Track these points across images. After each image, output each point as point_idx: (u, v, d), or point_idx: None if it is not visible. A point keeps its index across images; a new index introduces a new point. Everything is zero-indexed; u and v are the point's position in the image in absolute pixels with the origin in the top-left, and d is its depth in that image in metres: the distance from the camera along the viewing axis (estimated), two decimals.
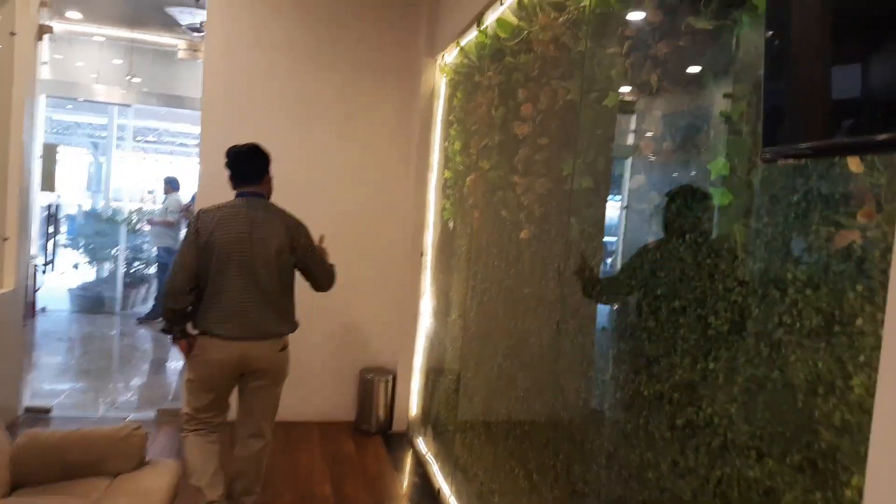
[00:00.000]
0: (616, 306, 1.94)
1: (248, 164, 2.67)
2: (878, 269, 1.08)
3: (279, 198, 4.02)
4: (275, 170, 4.07)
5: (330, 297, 4.20)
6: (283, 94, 4.03)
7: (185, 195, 7.37)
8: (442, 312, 3.89)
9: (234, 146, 2.70)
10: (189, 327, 2.63)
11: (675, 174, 1.68)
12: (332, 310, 4.18)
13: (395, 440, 3.97)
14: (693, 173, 1.61)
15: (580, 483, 2.12)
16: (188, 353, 2.60)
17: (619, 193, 2.09)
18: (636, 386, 1.82)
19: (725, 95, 1.51)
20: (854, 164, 1.04)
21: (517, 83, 2.81)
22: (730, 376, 1.44)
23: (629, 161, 1.99)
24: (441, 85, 4.07)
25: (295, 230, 2.68)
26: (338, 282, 4.22)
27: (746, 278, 1.42)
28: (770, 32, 0.86)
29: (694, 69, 1.62)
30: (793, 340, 1.27)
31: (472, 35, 3.52)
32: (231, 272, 2.51)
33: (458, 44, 3.66)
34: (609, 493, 1.93)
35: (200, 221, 2.56)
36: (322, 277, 2.77)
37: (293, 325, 2.72)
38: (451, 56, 3.91)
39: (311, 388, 4.16)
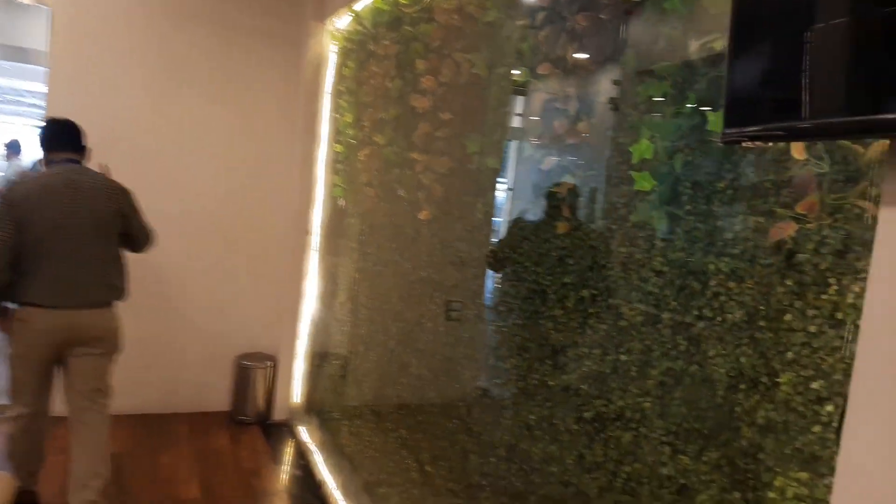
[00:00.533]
0: (522, 293, 1.85)
1: (67, 133, 2.53)
2: (811, 264, 1.04)
3: (142, 168, 3.57)
4: (136, 137, 3.59)
5: (204, 279, 3.84)
6: (146, 50, 3.56)
7: (28, 160, 6.48)
8: (329, 295, 3.67)
9: (52, 118, 2.61)
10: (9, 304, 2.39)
11: (591, 156, 1.60)
12: (206, 292, 3.81)
13: (275, 430, 3.71)
14: (609, 154, 1.53)
15: (477, 475, 2.03)
16: (9, 329, 2.38)
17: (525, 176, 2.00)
18: (541, 376, 1.74)
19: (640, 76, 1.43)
20: (797, 150, 0.99)
21: (416, 54, 2.63)
22: (643, 369, 1.39)
23: (537, 140, 1.90)
24: (330, 52, 3.79)
25: (120, 195, 2.50)
26: (212, 263, 3.87)
27: (664, 269, 1.36)
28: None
29: (613, 45, 1.53)
30: (713, 334, 1.22)
31: (367, 0, 3.28)
32: (54, 240, 2.34)
33: (351, 9, 3.40)
34: (508, 486, 1.85)
35: (14, 192, 2.36)
36: (142, 241, 2.63)
37: (122, 293, 2.53)
38: (342, 21, 3.65)
39: (181, 377, 3.78)
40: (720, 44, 1.19)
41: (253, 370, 3.75)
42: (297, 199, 3.79)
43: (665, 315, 1.34)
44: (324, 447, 3.40)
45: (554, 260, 1.73)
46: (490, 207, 2.13)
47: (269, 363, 3.80)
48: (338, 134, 3.67)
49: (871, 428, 0.71)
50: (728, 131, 0.76)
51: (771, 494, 1.06)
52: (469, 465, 2.08)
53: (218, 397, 3.85)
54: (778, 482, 1.05)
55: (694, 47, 1.25)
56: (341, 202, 3.61)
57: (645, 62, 1.43)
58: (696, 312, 1.26)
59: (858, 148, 0.96)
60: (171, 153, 3.67)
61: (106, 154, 3.04)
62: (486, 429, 1.99)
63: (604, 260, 1.54)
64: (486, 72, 2.08)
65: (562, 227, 1.69)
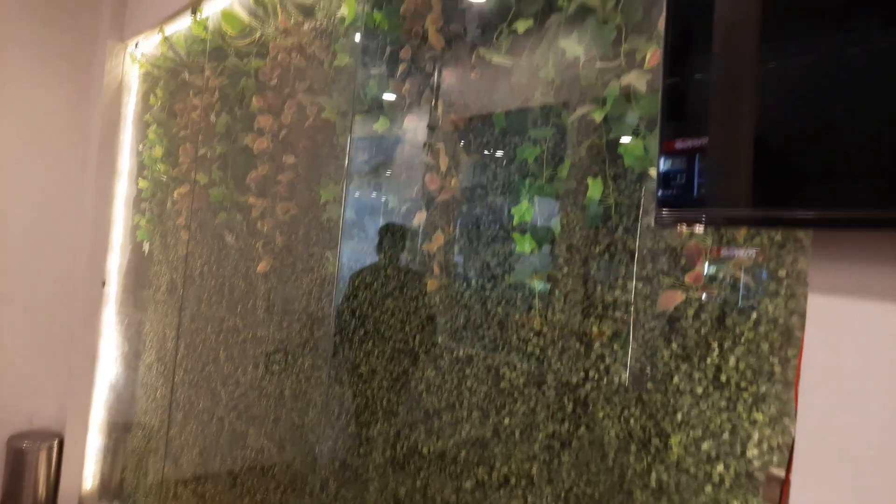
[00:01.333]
0: (387, 353, 1.75)
1: None
2: (693, 329, 1.10)
3: None
4: None
5: None
6: None
7: None
8: (132, 356, 3.18)
9: None
10: None
11: (473, 214, 1.57)
12: None
13: None
14: (491, 217, 1.52)
15: None
16: None
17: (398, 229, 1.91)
18: (412, 443, 1.65)
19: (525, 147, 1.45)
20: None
21: (249, 90, 2.43)
22: (528, 433, 1.37)
23: (417, 196, 1.83)
24: (133, 78, 3.37)
25: None
26: None
27: (544, 329, 1.36)
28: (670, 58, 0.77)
29: (487, 104, 1.53)
30: (601, 396, 1.24)
31: (181, 24, 2.98)
32: None
33: (161, 31, 3.06)
34: None
35: None
36: None
37: None
38: (148, 44, 3.27)
39: None
40: (599, 115, 1.23)
41: (31, 453, 3.10)
42: (90, 243, 3.26)
43: (549, 377, 1.33)
44: None
45: (424, 318, 1.66)
46: (342, 260, 2.01)
47: (52, 442, 3.17)
48: (143, 168, 3.25)
49: (810, 499, 0.74)
50: (663, 212, 0.76)
51: None
52: None
53: None
54: None
55: (572, 116, 1.29)
56: (146, 246, 3.18)
57: (521, 126, 1.44)
58: (581, 374, 1.27)
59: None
60: None
61: None
62: (346, 503, 1.83)
63: (479, 320, 1.50)
64: (337, 117, 1.97)
65: (432, 285, 1.63)
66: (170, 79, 3.12)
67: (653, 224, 1.11)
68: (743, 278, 1.05)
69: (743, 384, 1.05)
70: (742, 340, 1.05)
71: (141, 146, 3.28)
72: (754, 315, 1.03)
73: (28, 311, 3.23)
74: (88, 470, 3.26)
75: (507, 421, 1.41)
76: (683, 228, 1.04)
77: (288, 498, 2.06)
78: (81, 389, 3.24)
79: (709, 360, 1.08)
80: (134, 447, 3.08)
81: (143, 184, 3.23)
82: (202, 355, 2.67)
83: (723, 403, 1.07)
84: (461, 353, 1.54)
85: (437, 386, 1.59)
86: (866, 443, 0.68)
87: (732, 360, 1.06)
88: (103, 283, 3.30)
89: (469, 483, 1.47)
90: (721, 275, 1.08)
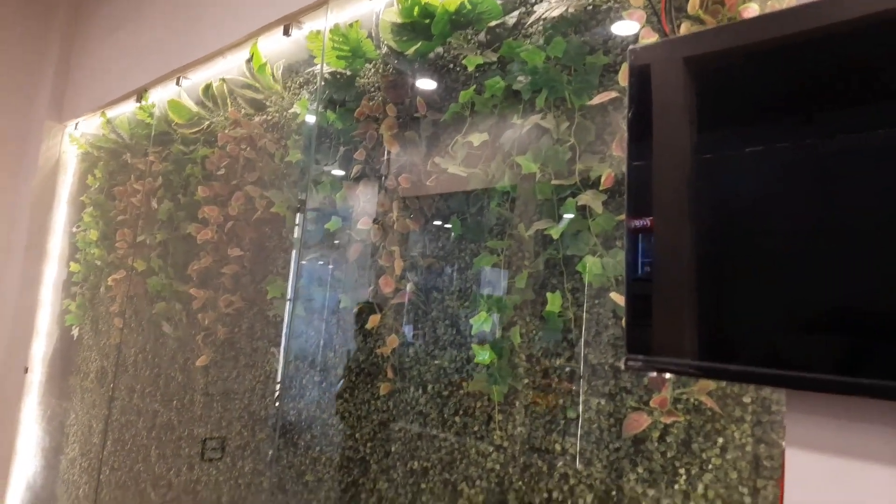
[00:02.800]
0: (335, 461, 1.66)
1: None
2: (658, 452, 1.09)
3: None
4: None
5: None
6: None
7: None
8: (54, 450, 2.93)
9: None
10: None
11: (419, 316, 1.54)
12: None
13: None
14: (439, 317, 1.49)
15: None
16: None
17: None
18: None
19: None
20: None
21: (194, 177, 2.37)
22: None
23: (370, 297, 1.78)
24: (70, 157, 3.26)
25: None
26: None
27: (504, 444, 1.33)
28: (634, 170, 0.79)
29: (442, 210, 1.53)
30: None
31: (125, 108, 2.91)
32: None
33: (103, 114, 2.99)
34: None
35: None
36: None
37: None
38: (90, 125, 3.18)
39: None
40: (556, 233, 1.25)
41: None
42: (12, 329, 3.04)
43: (510, 496, 1.29)
44: None
45: (375, 424, 1.60)
46: (303, 360, 1.92)
47: None
48: (75, 251, 3.09)
49: None
50: (632, 357, 0.76)
51: None
52: None
53: None
54: None
55: (530, 230, 1.30)
56: (75, 332, 3.00)
57: (476, 235, 1.44)
58: (545, 494, 1.24)
59: None
60: None
61: None
62: None
63: (436, 429, 1.46)
64: (286, 212, 1.94)
65: (384, 388, 1.57)
66: (110, 160, 3.03)
67: (623, 368, 1.11)
68: (707, 403, 1.05)
69: None
70: (709, 467, 1.04)
71: (75, 228, 3.13)
72: (720, 440, 1.03)
73: None
74: None
75: None
76: (653, 374, 1.04)
77: None
78: None
79: (676, 487, 1.07)
80: None
81: (74, 267, 3.07)
82: (132, 452, 2.49)
83: None
84: (416, 465, 1.48)
85: (389, 500, 1.51)
86: None
87: (700, 488, 1.05)
88: (26, 370, 3.07)
89: None
90: (686, 398, 1.08)
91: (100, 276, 2.90)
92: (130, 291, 2.65)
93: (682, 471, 1.06)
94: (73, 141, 3.18)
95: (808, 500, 0.70)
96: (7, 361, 3.03)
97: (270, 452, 1.91)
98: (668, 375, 1.03)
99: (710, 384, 1.02)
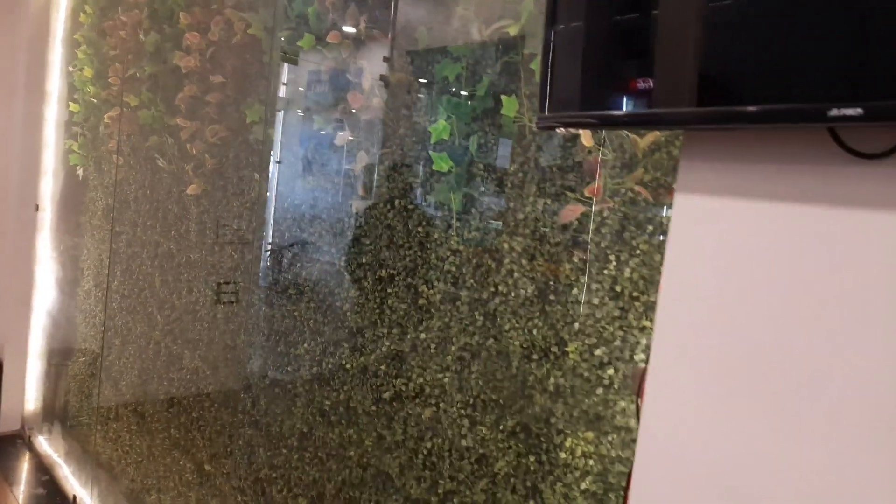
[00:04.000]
0: (314, 274, 1.77)
1: None
2: (594, 242, 1.14)
3: None
4: None
5: None
6: None
7: None
8: (70, 282, 3.13)
9: None
10: None
11: (388, 133, 1.56)
12: None
13: (4, 445, 3.09)
14: (406, 133, 1.51)
15: (266, 469, 1.92)
16: None
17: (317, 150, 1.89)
18: (336, 360, 1.69)
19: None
20: (586, 137, 1.06)
21: (177, 5, 2.32)
22: (442, 346, 1.41)
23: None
24: None
25: None
26: None
27: (460, 248, 1.39)
28: None
29: (410, 19, 1.50)
30: (508, 309, 1.29)
31: None
32: None
33: None
34: (303, 476, 1.78)
35: None
36: None
37: None
38: None
39: None
40: (514, 29, 1.23)
41: None
42: (20, 168, 3.14)
43: (463, 293, 1.37)
44: (72, 458, 2.94)
45: (349, 240, 1.68)
46: (268, 182, 1.99)
47: None
48: (74, 91, 3.10)
49: (666, 393, 0.80)
50: (543, 116, 0.78)
51: (562, 455, 1.16)
52: (256, 459, 1.95)
53: None
54: (568, 443, 1.15)
55: (487, 31, 1.28)
56: (80, 172, 3.08)
57: (437, 41, 1.42)
58: (492, 289, 1.32)
59: (636, 137, 1.07)
60: None
61: None
62: (276, 419, 1.88)
63: (401, 240, 1.53)
64: (263, 34, 1.91)
65: (356, 207, 1.63)
66: None
67: (535, 128, 1.13)
68: (641, 192, 1.08)
69: (635, 294, 1.10)
70: (637, 252, 1.09)
71: (71, 67, 3.12)
72: (650, 227, 1.08)
73: None
74: (30, 393, 3.25)
75: (423, 336, 1.46)
76: (561, 130, 1.06)
77: (222, 415, 2.11)
78: (18, 315, 3.19)
79: (606, 272, 1.13)
80: (75, 372, 3.07)
81: (74, 107, 3.09)
82: (138, 281, 2.65)
83: (616, 313, 1.12)
84: (383, 273, 1.56)
85: (360, 305, 1.62)
86: (719, 334, 0.73)
87: (627, 272, 1.11)
88: (37, 208, 3.21)
89: (388, 394, 1.53)
90: (622, 189, 1.11)
91: (98, 115, 2.93)
92: (126, 128, 2.69)
93: (612, 257, 1.11)
94: None
95: (692, 235, 0.74)
96: (19, 199, 3.16)
97: (257, 271, 2.03)
98: (599, 166, 1.06)
99: (641, 174, 1.04)
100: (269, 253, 1.95)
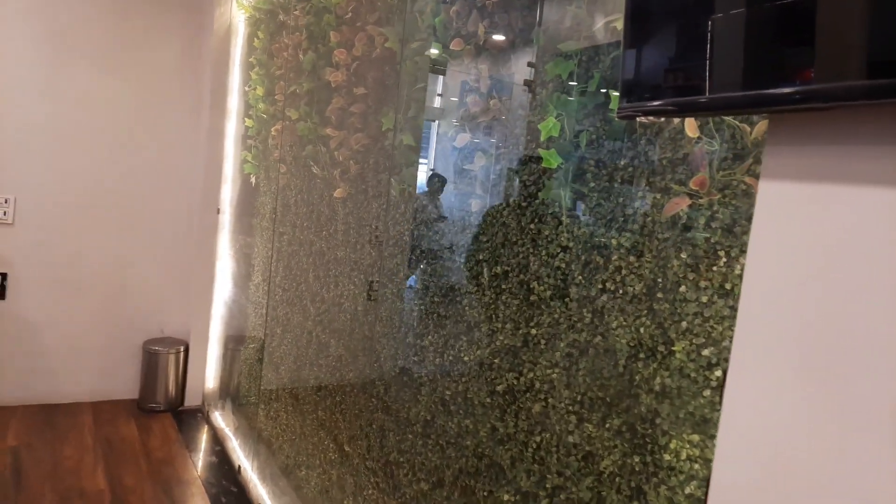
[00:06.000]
0: (437, 270, 1.86)
1: None
2: (702, 238, 1.09)
3: (33, 147, 3.30)
4: (24, 113, 3.33)
5: (106, 261, 3.62)
6: (29, 18, 3.28)
7: None
8: (243, 277, 3.55)
9: None
10: None
11: (503, 134, 1.61)
12: (109, 276, 3.61)
13: (188, 417, 3.58)
14: (520, 133, 1.55)
15: (395, 453, 2.05)
16: None
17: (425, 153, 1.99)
18: (456, 352, 1.76)
19: (531, 65, 1.45)
20: (690, 128, 1.03)
21: (329, 25, 2.56)
22: (552, 342, 1.43)
23: (440, 117, 1.89)
24: (239, 22, 3.63)
25: None
26: (115, 244, 3.64)
27: (570, 244, 1.40)
28: None
29: (521, 23, 1.54)
30: (616, 306, 1.27)
31: None
32: None
33: None
34: (425, 461, 1.87)
35: None
36: None
37: None
38: None
39: (84, 364, 3.58)
40: (621, 23, 1.21)
41: (162, 355, 3.60)
42: (205, 177, 3.63)
43: (572, 289, 1.38)
44: (240, 432, 3.32)
45: (469, 237, 1.75)
46: (407, 185, 2.11)
47: (179, 348, 3.65)
48: (248, 108, 3.53)
49: (749, 389, 0.76)
50: (624, 105, 0.78)
51: (667, 457, 1.12)
52: (387, 442, 2.09)
53: (125, 385, 3.67)
54: (673, 445, 1.11)
55: (598, 26, 1.28)
56: (253, 179, 3.49)
57: (553, 41, 1.44)
58: (599, 286, 1.31)
59: (745, 127, 1.01)
60: (66, 129, 3.42)
61: None
62: (404, 406, 2.00)
63: (515, 237, 1.56)
64: (398, 46, 2.05)
65: (475, 205, 1.70)
66: (269, 21, 3.33)
67: (617, 117, 1.10)
68: (752, 185, 1.02)
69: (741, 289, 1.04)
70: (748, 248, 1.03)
71: (247, 87, 3.55)
72: None
73: (158, 237, 3.69)
74: (210, 374, 3.73)
75: (534, 331, 1.48)
76: (641, 119, 1.03)
77: (359, 399, 2.28)
78: (201, 305, 3.68)
79: (715, 269, 1.08)
80: (246, 356, 3.48)
81: (248, 122, 3.51)
82: (296, 276, 2.94)
83: (726, 312, 1.07)
84: (498, 269, 1.61)
85: (477, 299, 1.68)
86: (804, 322, 0.69)
87: (738, 269, 1.05)
88: (218, 212, 3.68)
89: (501, 387, 1.57)
90: (733, 182, 1.06)
91: (267, 129, 3.31)
92: (288, 139, 3.01)
93: (721, 253, 1.06)
94: (239, 6, 3.52)
95: (776, 224, 0.70)
96: (204, 204, 3.65)
97: (391, 267, 2.17)
98: (702, 157, 1.02)
99: (751, 165, 0.99)
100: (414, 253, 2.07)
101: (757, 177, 1.03)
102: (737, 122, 1.04)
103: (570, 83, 1.39)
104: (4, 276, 3.31)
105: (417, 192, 2.05)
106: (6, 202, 3.29)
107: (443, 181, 1.88)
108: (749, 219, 1.04)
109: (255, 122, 3.45)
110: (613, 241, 1.28)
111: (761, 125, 1.01)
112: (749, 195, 1.05)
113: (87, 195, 3.49)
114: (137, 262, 3.66)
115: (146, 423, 3.46)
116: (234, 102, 3.64)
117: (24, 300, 3.39)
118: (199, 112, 3.67)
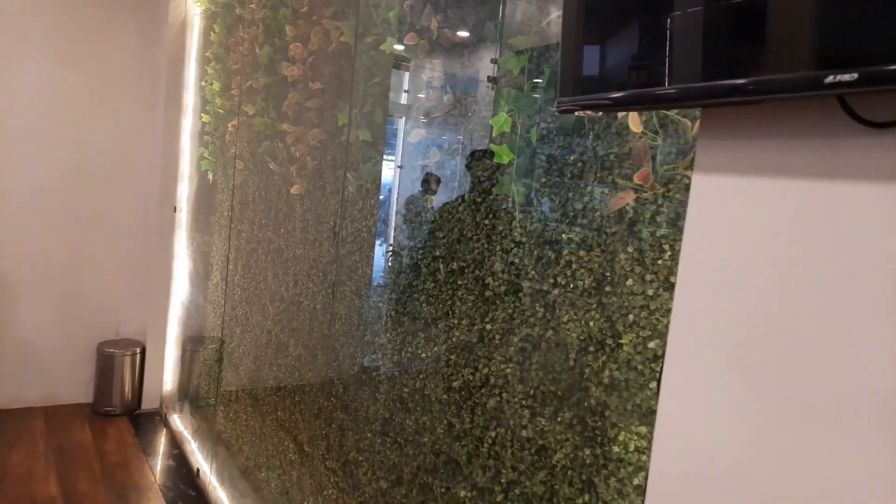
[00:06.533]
0: (395, 267, 1.85)
1: None
2: (648, 232, 1.11)
3: None
4: None
5: (55, 262, 3.51)
6: None
7: None
8: (201, 276, 3.48)
9: None
10: None
11: (454, 129, 1.60)
12: (59, 277, 3.50)
13: (145, 421, 3.50)
14: (474, 129, 1.55)
15: (354, 452, 2.03)
16: None
17: (392, 149, 1.98)
18: (413, 349, 1.76)
19: (494, 61, 1.45)
20: (634, 123, 1.04)
21: (285, 19, 2.52)
22: (506, 337, 1.43)
23: (406, 113, 1.88)
24: (195, 15, 3.55)
25: None
26: (67, 242, 3.53)
27: (523, 239, 1.40)
28: None
29: (474, 18, 1.54)
30: (566, 300, 1.28)
31: None
32: None
33: None
34: (384, 460, 1.86)
35: None
36: None
37: None
38: None
39: (35, 368, 3.46)
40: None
41: (118, 357, 3.51)
42: (160, 174, 3.55)
43: (525, 284, 1.38)
44: (198, 435, 3.26)
45: (425, 234, 1.74)
46: (365, 181, 2.09)
47: (136, 350, 3.56)
48: (205, 104, 3.45)
49: (684, 380, 0.77)
50: (562, 100, 0.78)
51: (616, 449, 1.14)
52: (346, 442, 2.07)
53: (78, 389, 3.57)
54: (621, 437, 1.13)
55: (548, 21, 1.28)
56: (210, 176, 3.42)
57: (507, 36, 1.44)
58: (551, 280, 1.31)
59: (687, 122, 1.03)
60: (16, 123, 3.30)
61: None
62: (362, 405, 1.99)
63: (470, 232, 1.56)
64: (353, 40, 2.03)
65: (430, 201, 1.69)
66: (226, 15, 3.26)
67: (556, 112, 1.11)
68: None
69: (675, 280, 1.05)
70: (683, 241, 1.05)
71: (203, 82, 3.48)
72: None
73: (112, 236, 3.59)
74: (168, 376, 3.65)
75: (489, 326, 1.48)
76: (579, 113, 1.04)
77: (318, 398, 2.26)
78: (158, 305, 3.60)
79: (660, 262, 1.10)
80: (205, 357, 3.41)
81: (205, 118, 3.44)
82: (255, 274, 2.89)
83: (670, 304, 1.08)
84: (454, 265, 1.61)
85: (434, 296, 1.68)
86: (736, 321, 0.70)
87: None
88: (175, 209, 3.60)
89: (457, 383, 1.57)
90: (676, 176, 1.07)
91: (224, 125, 3.24)
92: (245, 135, 2.95)
93: (666, 247, 1.08)
94: (195, 0, 3.45)
95: (709, 216, 0.71)
96: (160, 201, 3.56)
97: (350, 265, 2.15)
98: (646, 152, 1.03)
99: (692, 159, 1.00)
100: (389, 252, 2.03)
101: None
102: (679, 117, 1.06)
103: (522, 79, 1.39)
104: None
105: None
106: None
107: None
108: None
109: (213, 118, 3.38)
110: (564, 236, 1.29)
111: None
112: (689, 188, 1.06)
113: (38, 192, 3.38)
114: (91, 261, 3.56)
115: (101, 427, 3.37)
116: (190, 98, 3.56)
117: None
118: (155, 107, 3.58)
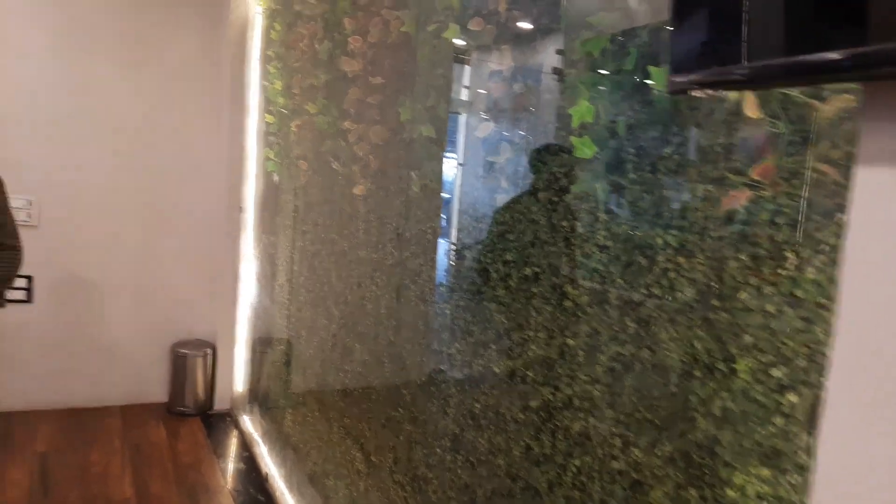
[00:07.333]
0: (462, 271, 1.71)
1: None
2: (766, 236, 0.92)
3: (51, 145, 3.25)
4: (41, 109, 3.27)
5: (130, 263, 3.57)
6: (46, 12, 3.22)
7: None
8: (268, 277, 3.46)
9: None
10: None
11: (523, 121, 1.45)
12: (135, 278, 3.56)
13: (217, 421, 3.53)
14: (548, 120, 1.39)
15: (423, 467, 1.92)
16: None
17: (453, 146, 1.83)
18: (485, 361, 1.62)
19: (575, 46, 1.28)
20: (750, 107, 0.86)
21: (343, 12, 2.42)
22: (592, 354, 1.27)
23: (468, 107, 1.73)
24: (256, 14, 3.52)
25: None
26: (138, 244, 3.59)
27: (608, 243, 1.24)
28: None
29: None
30: (664, 315, 1.11)
31: None
32: None
33: None
34: (455, 479, 1.74)
35: None
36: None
37: None
38: None
39: (112, 367, 3.55)
40: None
41: (190, 358, 3.54)
42: (227, 175, 3.55)
43: (612, 294, 1.22)
44: (268, 437, 3.25)
45: (494, 236, 1.60)
46: (429, 180, 1.97)
47: (207, 351, 3.59)
48: (268, 103, 3.42)
49: (850, 425, 0.60)
50: (675, 79, 0.62)
51: (730, 492, 0.96)
52: (414, 455, 1.96)
53: (153, 388, 3.64)
54: (737, 479, 0.95)
55: None
56: (275, 177, 3.39)
57: (582, 15, 1.28)
58: (644, 291, 1.14)
59: (818, 104, 0.84)
60: (85, 127, 3.36)
61: (6, 130, 2.74)
62: (431, 417, 1.87)
63: (545, 235, 1.40)
64: (415, 30, 1.90)
65: (499, 200, 1.54)
66: (286, 12, 3.21)
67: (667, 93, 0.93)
68: (828, 172, 0.85)
69: (822, 301, 0.87)
70: (823, 248, 0.86)
71: (266, 82, 3.45)
72: (840, 217, 0.84)
73: (181, 237, 3.63)
74: (238, 377, 3.67)
75: (570, 342, 1.32)
76: (697, 93, 0.86)
77: (385, 408, 2.16)
78: (227, 306, 3.61)
79: (782, 272, 0.91)
80: (273, 359, 3.40)
81: (269, 118, 3.41)
82: (320, 276, 2.83)
83: (798, 324, 0.90)
84: (528, 271, 1.46)
85: (505, 305, 1.53)
86: None
87: (811, 272, 0.88)
88: (241, 210, 3.60)
89: (535, 403, 1.42)
90: (802, 169, 0.88)
91: (288, 125, 3.20)
92: (308, 135, 2.89)
93: (789, 255, 0.89)
94: None
95: (880, 220, 0.54)
96: (227, 202, 3.57)
97: (415, 268, 2.03)
98: (767, 141, 0.84)
99: (826, 149, 0.81)
100: (455, 256, 1.92)
101: (831, 163, 0.85)
102: (806, 98, 0.87)
103: (604, 62, 1.22)
104: (30, 279, 3.29)
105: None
106: (30, 204, 3.26)
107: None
108: (823, 213, 0.87)
109: (276, 118, 3.34)
110: (659, 240, 1.11)
111: (836, 101, 0.83)
112: (821, 185, 0.87)
113: (112, 194, 3.45)
114: (163, 262, 3.61)
115: (175, 427, 3.41)
116: (253, 98, 3.54)
117: (51, 303, 3.37)
118: (220, 108, 3.59)
